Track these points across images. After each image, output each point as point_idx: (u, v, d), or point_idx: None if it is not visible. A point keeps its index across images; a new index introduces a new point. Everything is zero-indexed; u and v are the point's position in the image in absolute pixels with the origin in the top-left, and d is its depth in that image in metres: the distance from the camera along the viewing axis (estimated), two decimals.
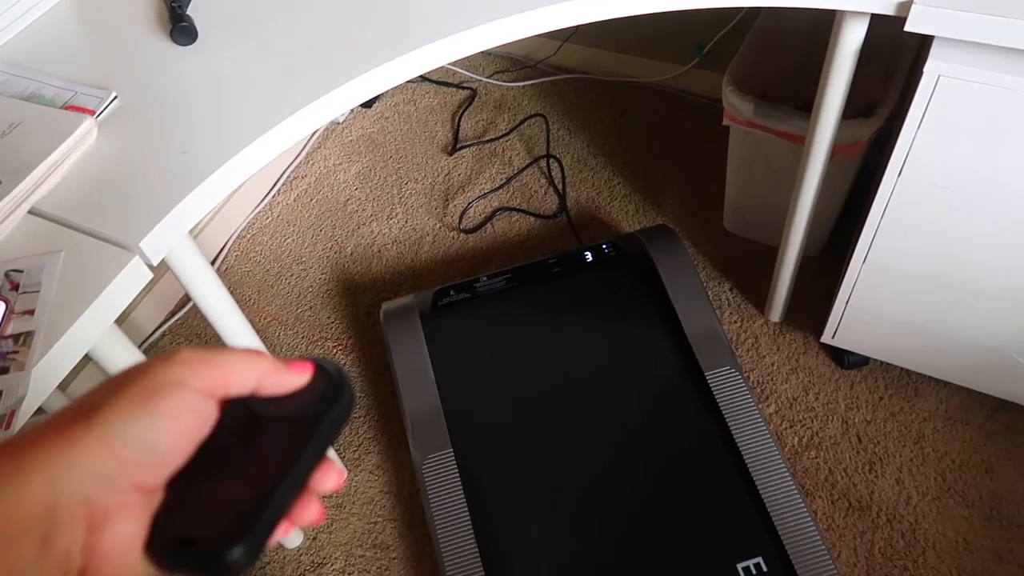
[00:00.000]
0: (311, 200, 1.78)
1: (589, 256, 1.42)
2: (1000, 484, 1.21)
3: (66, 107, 0.86)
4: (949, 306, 1.11)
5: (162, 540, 0.32)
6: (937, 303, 1.12)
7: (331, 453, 1.32)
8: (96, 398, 0.32)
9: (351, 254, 1.67)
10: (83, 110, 0.85)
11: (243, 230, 1.75)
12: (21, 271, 0.73)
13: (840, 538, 1.19)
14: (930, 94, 0.88)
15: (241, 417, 0.35)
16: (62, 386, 1.37)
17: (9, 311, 0.71)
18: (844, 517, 1.21)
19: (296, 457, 0.34)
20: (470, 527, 1.15)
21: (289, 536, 1.30)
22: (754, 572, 1.07)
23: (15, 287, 0.72)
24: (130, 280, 0.72)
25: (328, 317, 1.58)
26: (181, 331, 1.61)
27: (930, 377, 1.31)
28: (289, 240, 1.72)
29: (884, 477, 1.24)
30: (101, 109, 0.85)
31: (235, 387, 0.35)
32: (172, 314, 1.63)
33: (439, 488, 1.19)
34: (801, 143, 1.22)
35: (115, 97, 0.87)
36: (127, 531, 0.31)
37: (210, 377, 0.34)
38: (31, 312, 0.70)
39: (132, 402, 0.32)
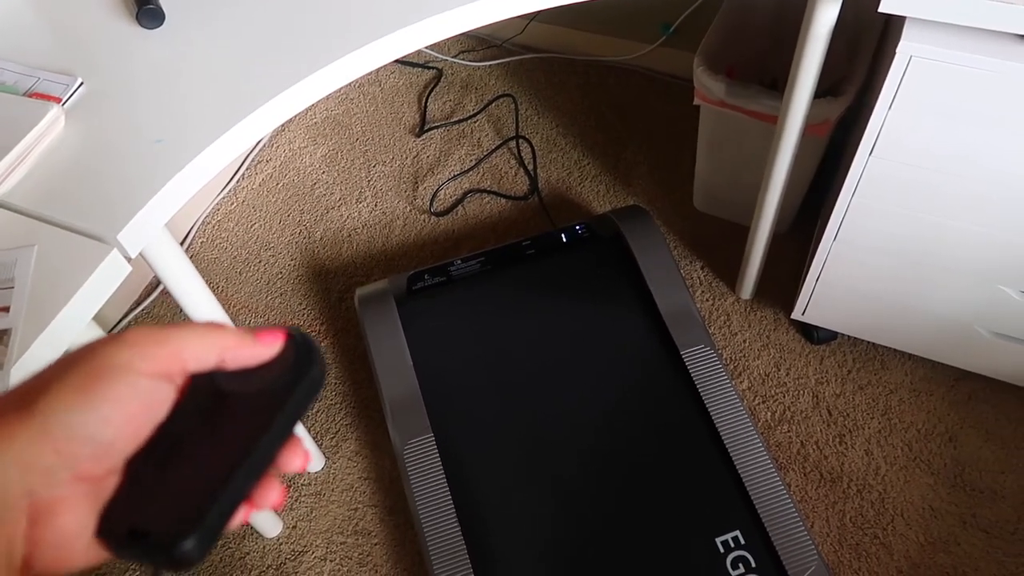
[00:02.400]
0: (277, 184, 1.75)
1: (563, 238, 1.42)
2: (963, 452, 1.25)
3: (29, 94, 0.83)
4: (916, 281, 1.14)
5: (112, 530, 0.31)
6: (905, 279, 1.15)
7: (303, 433, 1.30)
8: (37, 384, 0.31)
9: (320, 239, 1.65)
10: (48, 97, 0.82)
11: (208, 216, 1.72)
12: None
13: (813, 509, 1.23)
14: (902, 74, 0.90)
15: (206, 394, 0.33)
16: None
17: None
18: (816, 489, 1.24)
19: (259, 437, 0.33)
20: (453, 510, 1.16)
21: (266, 525, 1.29)
22: (732, 545, 1.10)
23: None
24: (109, 274, 0.70)
25: (299, 303, 1.56)
26: (147, 320, 1.57)
27: (896, 350, 1.35)
28: (256, 226, 1.69)
29: (854, 449, 1.27)
30: (67, 96, 0.82)
31: (193, 364, 0.33)
32: (137, 303, 1.60)
33: (421, 473, 1.19)
34: (772, 122, 1.23)
35: (81, 83, 0.84)
36: (72, 522, 0.30)
37: (161, 358, 0.32)
38: (6, 309, 0.68)
39: (73, 390, 0.30)
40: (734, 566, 1.08)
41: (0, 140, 0.77)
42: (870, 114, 0.97)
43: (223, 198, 1.74)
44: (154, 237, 0.79)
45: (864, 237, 1.12)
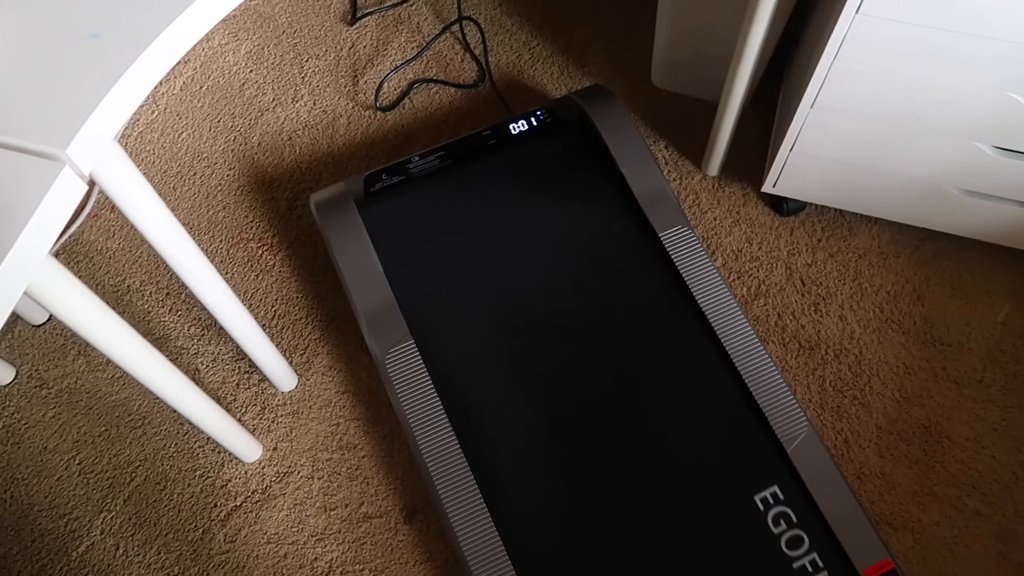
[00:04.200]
0: (200, 88, 1.60)
1: (524, 125, 1.35)
2: (930, 309, 1.29)
3: None
4: (894, 144, 1.13)
5: None
6: (881, 143, 1.14)
7: (272, 351, 1.21)
8: None
9: (259, 144, 1.52)
10: None
11: (127, 129, 1.56)
12: None
13: (794, 377, 1.25)
14: None
15: None
16: None
17: None
18: (796, 358, 1.27)
19: None
20: (444, 415, 1.13)
21: (244, 450, 1.22)
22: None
23: None
24: (64, 195, 0.61)
25: (245, 216, 1.45)
26: (78, 248, 1.44)
27: (862, 216, 1.36)
28: (184, 135, 1.54)
29: (828, 316, 1.29)
30: None
31: None
32: (63, 231, 1.46)
33: (405, 381, 1.15)
34: None
35: None
36: None
37: None
38: None
39: None
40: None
41: None
42: None
43: (141, 107, 1.58)
44: (107, 148, 0.69)
45: (844, 103, 1.09)
